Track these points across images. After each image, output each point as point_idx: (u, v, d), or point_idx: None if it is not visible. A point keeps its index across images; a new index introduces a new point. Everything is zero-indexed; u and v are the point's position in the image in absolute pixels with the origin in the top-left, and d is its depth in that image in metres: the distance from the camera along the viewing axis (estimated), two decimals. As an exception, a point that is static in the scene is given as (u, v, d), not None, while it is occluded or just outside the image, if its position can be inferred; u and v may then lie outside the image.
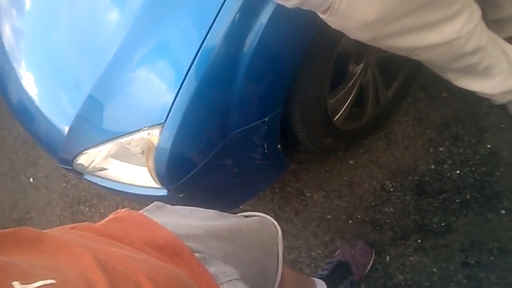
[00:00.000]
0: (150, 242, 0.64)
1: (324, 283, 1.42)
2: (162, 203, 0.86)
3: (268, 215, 1.83)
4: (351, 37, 1.00)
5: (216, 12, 1.07)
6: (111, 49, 1.19)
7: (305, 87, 1.29)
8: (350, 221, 1.69)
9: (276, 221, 1.00)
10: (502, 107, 1.55)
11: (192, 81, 1.10)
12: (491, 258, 1.46)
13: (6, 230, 0.46)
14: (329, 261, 1.60)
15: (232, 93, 1.15)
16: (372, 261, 1.58)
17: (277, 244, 0.95)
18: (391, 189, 1.67)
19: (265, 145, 1.33)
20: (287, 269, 0.96)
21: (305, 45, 1.18)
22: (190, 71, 1.09)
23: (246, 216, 0.98)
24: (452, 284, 1.48)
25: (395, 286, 1.54)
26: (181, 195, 1.27)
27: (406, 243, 1.58)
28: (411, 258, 1.55)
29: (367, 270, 1.58)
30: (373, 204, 1.67)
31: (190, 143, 1.18)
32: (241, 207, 1.84)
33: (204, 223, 0.80)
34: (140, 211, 0.79)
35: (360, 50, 1.42)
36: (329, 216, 1.73)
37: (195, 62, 1.08)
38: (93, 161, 1.29)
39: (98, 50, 1.25)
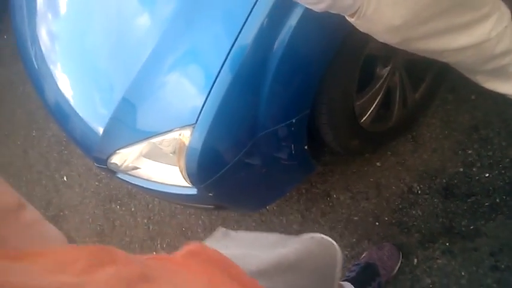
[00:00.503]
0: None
1: (351, 285, 1.42)
2: (226, 229, 0.88)
3: (294, 215, 1.83)
4: (379, 40, 1.02)
5: (246, 16, 1.10)
6: (144, 53, 1.23)
7: (333, 89, 1.31)
8: (377, 223, 1.69)
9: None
10: (533, 110, 1.53)
11: (222, 83, 1.13)
12: (522, 262, 1.44)
13: (94, 246, 0.50)
14: (356, 262, 1.60)
15: (261, 94, 1.17)
16: (399, 264, 1.58)
17: (336, 268, 0.94)
18: (419, 191, 1.66)
19: (293, 146, 1.35)
20: None
21: (333, 47, 1.20)
22: (220, 73, 1.12)
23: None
24: (481, 288, 1.46)
25: (423, 289, 1.54)
26: (210, 194, 1.31)
27: (434, 246, 1.57)
28: (439, 261, 1.54)
29: (394, 273, 1.57)
30: (400, 206, 1.67)
31: (220, 143, 1.22)
32: (267, 207, 1.87)
33: (273, 253, 0.81)
34: (208, 239, 0.81)
35: (388, 52, 1.42)
36: (356, 218, 1.73)
37: (225, 64, 1.12)
38: (126, 160, 1.34)
39: (131, 54, 1.30)
